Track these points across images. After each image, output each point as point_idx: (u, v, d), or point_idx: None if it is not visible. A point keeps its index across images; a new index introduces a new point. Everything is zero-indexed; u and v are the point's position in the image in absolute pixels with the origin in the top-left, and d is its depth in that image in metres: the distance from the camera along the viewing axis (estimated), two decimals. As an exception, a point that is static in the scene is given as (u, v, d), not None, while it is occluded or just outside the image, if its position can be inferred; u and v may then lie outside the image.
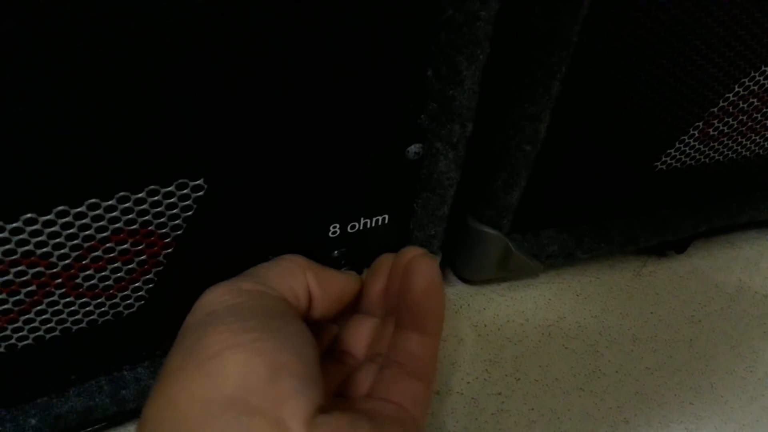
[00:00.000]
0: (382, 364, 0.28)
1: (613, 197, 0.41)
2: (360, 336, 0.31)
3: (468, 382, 0.38)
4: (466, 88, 0.26)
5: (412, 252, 0.29)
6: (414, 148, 0.29)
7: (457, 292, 0.43)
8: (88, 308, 0.28)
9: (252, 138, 0.25)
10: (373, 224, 0.33)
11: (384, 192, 0.31)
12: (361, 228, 0.32)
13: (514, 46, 0.29)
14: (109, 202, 0.24)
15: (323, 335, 0.31)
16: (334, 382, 0.29)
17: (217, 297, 0.23)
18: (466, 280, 0.44)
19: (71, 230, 0.24)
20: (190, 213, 0.26)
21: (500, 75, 0.29)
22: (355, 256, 0.33)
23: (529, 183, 0.35)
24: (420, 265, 0.28)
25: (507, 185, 0.34)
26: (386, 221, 0.33)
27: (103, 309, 0.28)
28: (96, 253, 0.26)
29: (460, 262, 0.42)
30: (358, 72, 0.25)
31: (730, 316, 0.44)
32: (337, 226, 0.31)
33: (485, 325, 0.41)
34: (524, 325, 0.42)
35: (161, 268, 0.28)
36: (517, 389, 0.38)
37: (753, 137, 0.41)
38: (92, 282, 0.27)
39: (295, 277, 0.27)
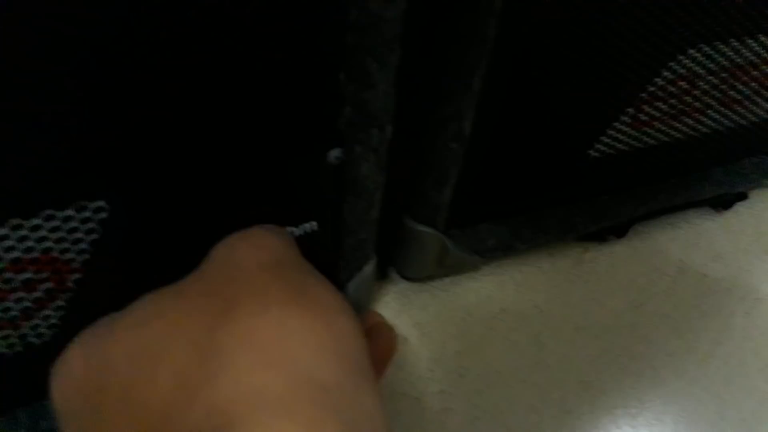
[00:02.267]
0: None
1: (550, 187, 0.41)
2: None
3: (411, 382, 0.38)
4: (379, 91, 0.25)
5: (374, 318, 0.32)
6: (335, 153, 0.28)
7: (400, 290, 0.43)
8: (-7, 342, 0.26)
9: (156, 153, 0.24)
10: (302, 232, 0.32)
11: (309, 199, 0.30)
12: (288, 236, 0.31)
13: (430, 44, 0.28)
14: (1, 231, 0.22)
15: None
16: None
17: None
18: (408, 278, 0.43)
19: (-39, 264, 0.22)
20: (95, 236, 0.25)
21: (419, 74, 0.28)
22: (285, 265, 0.32)
23: (460, 179, 0.34)
24: (388, 334, 0.31)
25: (438, 183, 0.34)
26: (315, 228, 0.32)
27: (11, 341, 0.27)
28: (-6, 285, 0.24)
29: (400, 261, 0.42)
30: (267, 76, 0.24)
31: (671, 297, 0.45)
32: (263, 236, 0.30)
33: (428, 323, 0.41)
34: (466, 320, 0.41)
35: (72, 294, 0.26)
36: (461, 386, 0.38)
37: (685, 120, 0.41)
38: (-6, 315, 0.25)
39: None
